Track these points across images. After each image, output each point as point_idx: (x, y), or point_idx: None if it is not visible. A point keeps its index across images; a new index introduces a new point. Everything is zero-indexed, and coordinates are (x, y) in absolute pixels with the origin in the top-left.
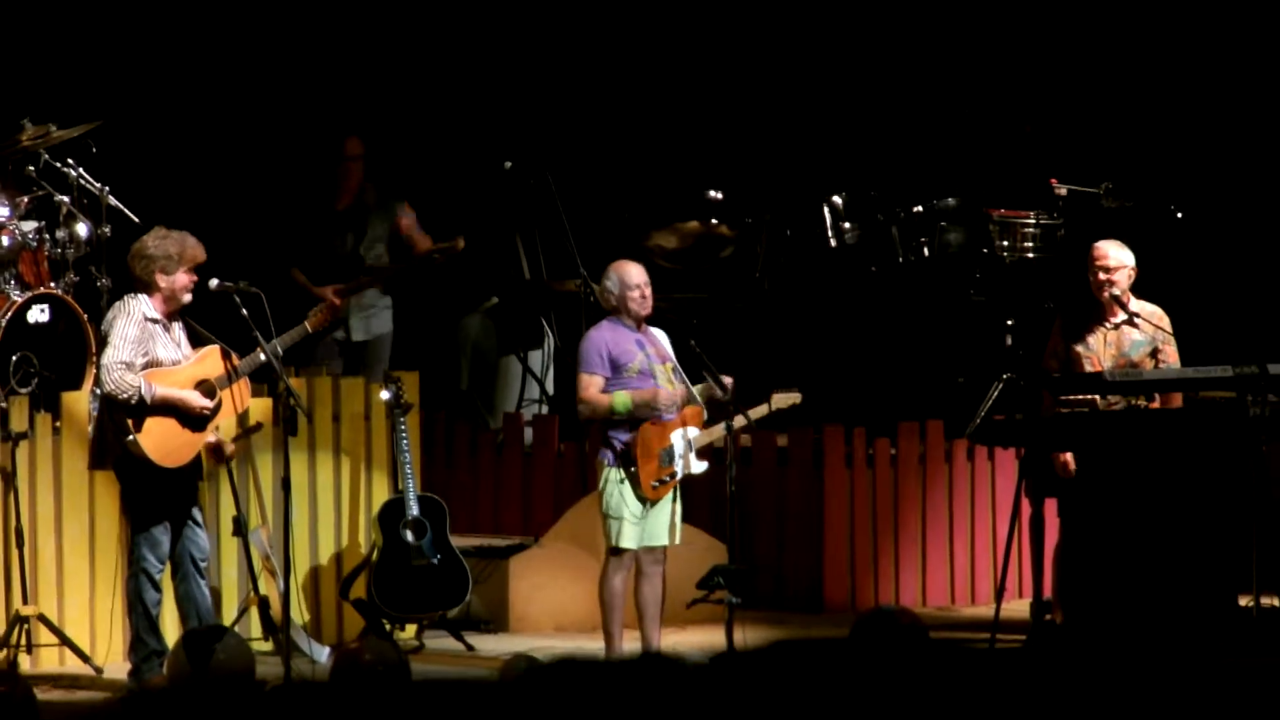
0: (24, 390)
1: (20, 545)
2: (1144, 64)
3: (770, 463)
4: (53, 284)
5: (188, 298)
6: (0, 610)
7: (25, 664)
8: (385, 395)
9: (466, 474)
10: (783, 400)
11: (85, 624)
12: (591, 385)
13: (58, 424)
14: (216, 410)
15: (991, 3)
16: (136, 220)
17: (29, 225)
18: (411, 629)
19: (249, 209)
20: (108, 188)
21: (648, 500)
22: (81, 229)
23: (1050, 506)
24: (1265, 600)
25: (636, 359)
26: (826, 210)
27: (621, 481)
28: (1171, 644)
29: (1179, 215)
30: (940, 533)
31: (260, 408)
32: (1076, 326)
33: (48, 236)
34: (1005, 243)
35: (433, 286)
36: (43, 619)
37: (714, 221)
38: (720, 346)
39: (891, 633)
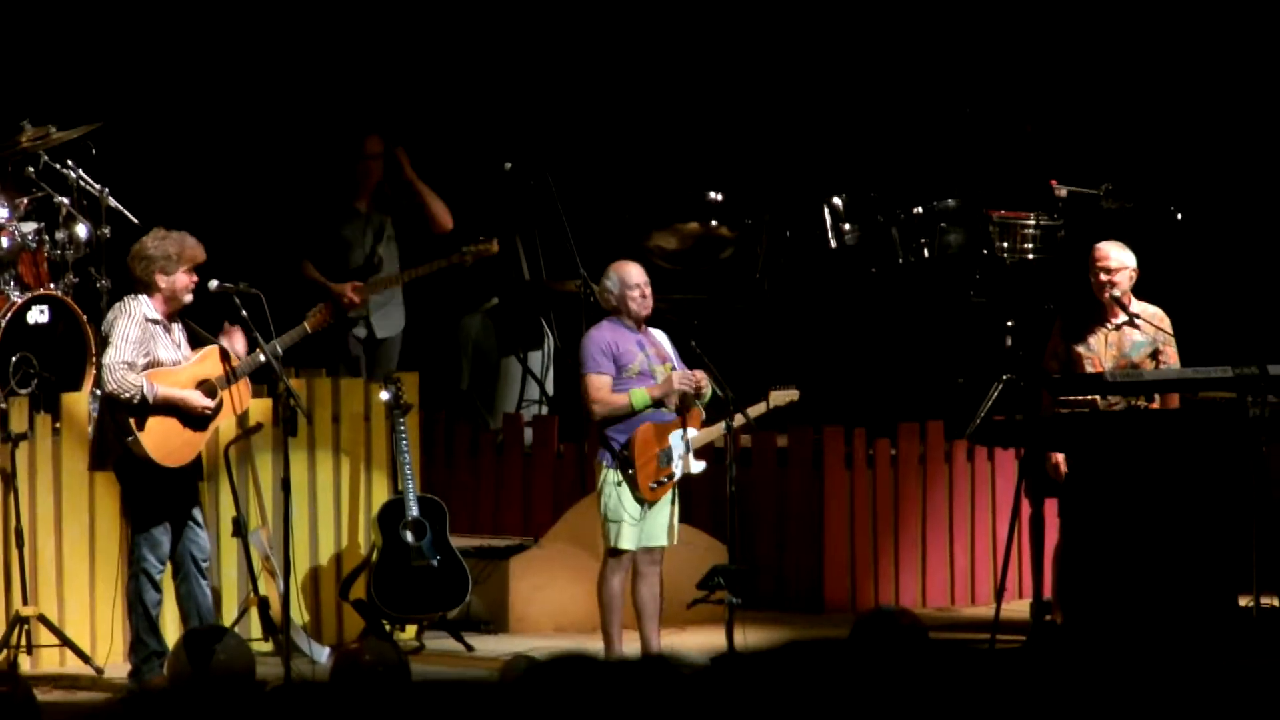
0: (24, 391)
1: (20, 546)
2: (1144, 65)
3: (771, 463)
4: (52, 285)
5: (188, 298)
6: (0, 611)
7: (25, 665)
8: (385, 396)
9: (466, 474)
10: (781, 398)
11: (85, 624)
12: (603, 385)
13: (57, 425)
14: (218, 410)
15: (991, 3)
16: (136, 221)
17: (28, 226)
18: (411, 630)
19: (254, 208)
20: (107, 189)
21: (646, 502)
22: (81, 230)
23: (1050, 507)
24: (1265, 601)
25: (636, 360)
26: (826, 211)
27: (619, 484)
28: (1171, 645)
29: (1179, 216)
30: (940, 533)
31: (260, 408)
32: (1077, 327)
33: (47, 238)
34: (1005, 244)
35: (433, 286)
36: (43, 620)
37: (714, 222)
38: (720, 347)
39: (891, 633)
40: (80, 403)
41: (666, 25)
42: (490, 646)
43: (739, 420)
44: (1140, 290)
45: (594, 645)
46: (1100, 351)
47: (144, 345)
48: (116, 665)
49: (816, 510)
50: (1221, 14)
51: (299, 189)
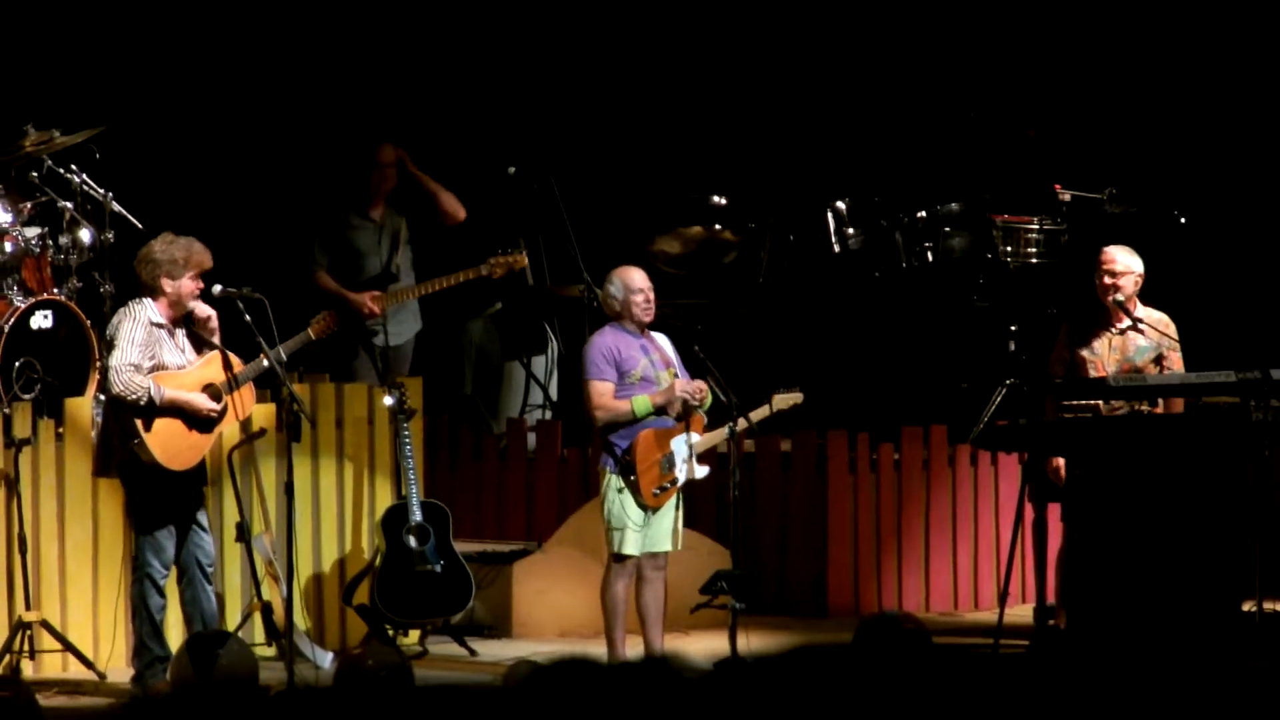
0: (27, 396)
1: (23, 551)
2: (1148, 69)
3: (774, 467)
4: (56, 290)
5: (193, 303)
6: (3, 616)
7: (28, 670)
8: (389, 400)
9: (470, 479)
10: (784, 401)
11: (88, 629)
12: (605, 392)
13: (61, 430)
14: (223, 413)
15: (995, 7)
16: (140, 226)
17: (32, 231)
18: (415, 634)
19: (260, 214)
20: (111, 193)
21: (649, 508)
22: (85, 235)
23: (1053, 511)
24: (1268, 605)
25: (640, 365)
26: (830, 215)
27: (621, 490)
28: (1175, 649)
29: (1183, 220)
30: (944, 538)
31: (264, 413)
32: (1082, 331)
33: (51, 242)
34: (1009, 248)
35: (436, 292)
36: (46, 625)
37: (717, 227)
38: (723, 352)
39: (895, 638)
40: (83, 408)
41: (670, 30)
42: (494, 651)
43: (742, 424)
44: (1144, 295)
45: (597, 650)
46: (1104, 356)
47: (149, 348)
48: (119, 670)
49: (820, 515)
50: (1224, 18)
51: (310, 198)
